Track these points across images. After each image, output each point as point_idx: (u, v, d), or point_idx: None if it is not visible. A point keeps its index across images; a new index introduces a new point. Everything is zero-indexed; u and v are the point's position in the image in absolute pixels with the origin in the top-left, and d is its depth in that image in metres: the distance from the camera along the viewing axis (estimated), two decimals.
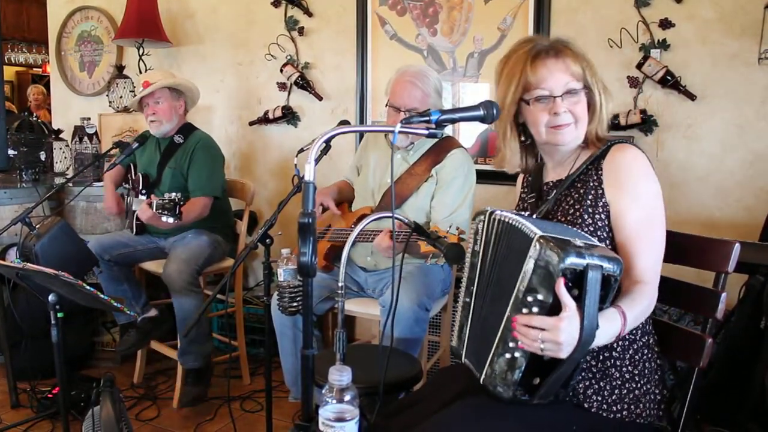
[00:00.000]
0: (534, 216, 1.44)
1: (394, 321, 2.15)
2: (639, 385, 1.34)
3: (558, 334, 1.12)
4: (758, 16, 2.57)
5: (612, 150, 1.41)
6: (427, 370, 2.41)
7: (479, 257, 1.39)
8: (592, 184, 1.41)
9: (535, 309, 1.18)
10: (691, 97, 2.69)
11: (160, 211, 2.42)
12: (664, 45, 2.72)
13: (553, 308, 1.15)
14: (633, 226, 1.35)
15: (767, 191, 2.64)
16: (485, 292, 1.36)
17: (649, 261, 1.34)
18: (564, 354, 1.15)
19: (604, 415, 1.31)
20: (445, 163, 2.37)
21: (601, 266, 1.13)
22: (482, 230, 1.39)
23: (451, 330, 1.47)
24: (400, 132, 1.26)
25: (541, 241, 1.16)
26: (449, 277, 2.48)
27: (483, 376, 1.28)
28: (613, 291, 1.19)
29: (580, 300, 1.13)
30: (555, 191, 1.47)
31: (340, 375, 1.15)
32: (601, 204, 1.38)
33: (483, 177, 3.15)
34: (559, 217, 1.43)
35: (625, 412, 1.32)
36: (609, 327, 1.22)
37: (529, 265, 1.18)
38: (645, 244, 1.34)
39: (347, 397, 1.15)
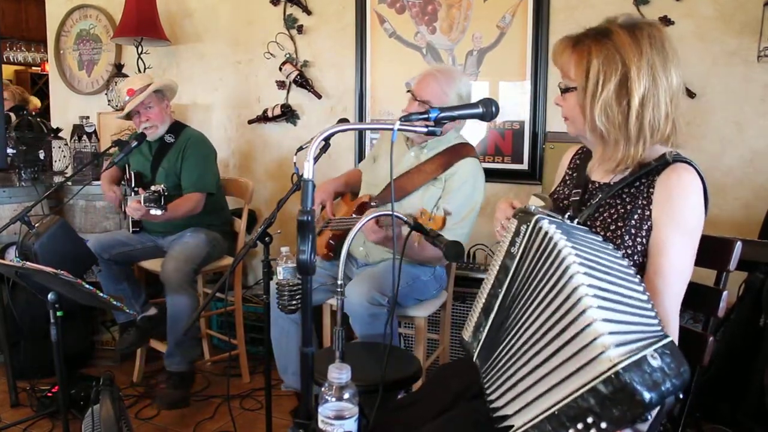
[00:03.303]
0: (576, 221, 1.35)
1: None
2: None
3: None
4: (757, 13, 2.57)
5: (670, 169, 1.31)
6: (426, 368, 2.41)
7: (514, 261, 1.28)
8: (641, 201, 1.32)
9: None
10: (690, 94, 2.69)
11: (147, 204, 2.45)
12: None
13: None
14: (673, 262, 1.28)
15: (767, 189, 2.64)
16: (513, 304, 1.27)
17: (675, 300, 1.28)
18: None
19: None
20: (454, 170, 2.28)
21: (676, 392, 1.03)
22: (524, 234, 1.27)
23: (467, 322, 1.42)
24: (399, 129, 1.26)
25: (622, 376, 0.99)
26: (438, 280, 2.44)
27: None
28: None
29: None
30: (599, 197, 1.39)
31: (339, 373, 1.15)
32: (645, 227, 1.31)
33: (486, 175, 3.16)
34: (598, 229, 1.35)
35: None
36: None
37: (600, 388, 1.02)
38: (676, 284, 1.28)
39: (347, 395, 1.15)
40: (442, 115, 1.31)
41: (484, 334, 1.33)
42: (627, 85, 1.29)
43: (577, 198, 1.46)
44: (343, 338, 1.50)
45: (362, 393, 1.23)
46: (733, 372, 2.24)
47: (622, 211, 1.34)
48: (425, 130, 1.31)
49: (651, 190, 1.32)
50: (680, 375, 1.03)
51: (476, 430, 1.26)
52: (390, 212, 1.55)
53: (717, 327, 2.22)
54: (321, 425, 1.15)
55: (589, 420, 1.03)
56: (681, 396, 1.16)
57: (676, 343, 1.25)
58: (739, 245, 1.40)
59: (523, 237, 1.27)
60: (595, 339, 1.03)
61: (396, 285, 1.50)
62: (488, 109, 1.35)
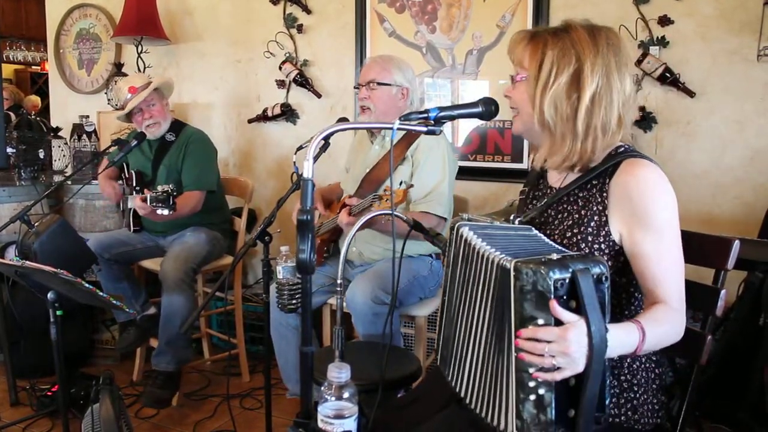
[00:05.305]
0: (518, 220, 1.38)
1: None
2: (637, 394, 1.31)
3: (566, 345, 1.05)
4: (757, 12, 2.56)
5: (620, 170, 1.27)
6: (426, 368, 2.41)
7: (449, 270, 1.37)
8: (595, 208, 1.29)
9: None
10: (690, 93, 2.69)
11: (154, 204, 2.43)
12: (663, 42, 2.71)
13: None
14: (652, 254, 1.24)
15: (766, 188, 2.64)
16: (455, 313, 1.33)
17: (671, 283, 1.24)
18: (581, 367, 1.07)
19: None
20: (418, 143, 2.32)
21: (588, 269, 1.08)
22: (451, 243, 1.35)
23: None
24: (398, 128, 1.26)
25: (519, 266, 1.08)
26: (436, 275, 2.44)
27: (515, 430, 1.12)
28: (608, 290, 1.12)
29: (580, 309, 1.07)
30: (545, 200, 1.38)
31: (339, 372, 1.15)
32: (603, 233, 1.28)
33: (482, 174, 3.17)
34: (556, 237, 1.32)
35: (623, 417, 1.30)
36: (622, 334, 1.14)
37: (517, 294, 1.09)
38: (665, 269, 1.24)
39: (346, 394, 1.15)
40: (442, 114, 1.31)
41: (440, 346, 1.40)
42: (579, 81, 1.26)
43: (523, 197, 1.49)
44: (343, 337, 1.50)
45: (362, 392, 1.23)
46: (732, 371, 2.24)
47: (577, 216, 1.31)
48: (425, 129, 1.31)
49: (604, 194, 1.28)
50: (591, 262, 1.10)
51: (474, 428, 1.26)
52: (389, 212, 1.55)
53: (716, 326, 2.22)
54: (321, 424, 1.15)
55: (540, 321, 1.08)
56: (672, 375, 1.27)
57: (682, 328, 1.26)
58: (737, 244, 1.39)
59: (451, 246, 1.36)
60: (502, 272, 1.12)
61: (395, 284, 1.50)
62: (487, 108, 1.35)
